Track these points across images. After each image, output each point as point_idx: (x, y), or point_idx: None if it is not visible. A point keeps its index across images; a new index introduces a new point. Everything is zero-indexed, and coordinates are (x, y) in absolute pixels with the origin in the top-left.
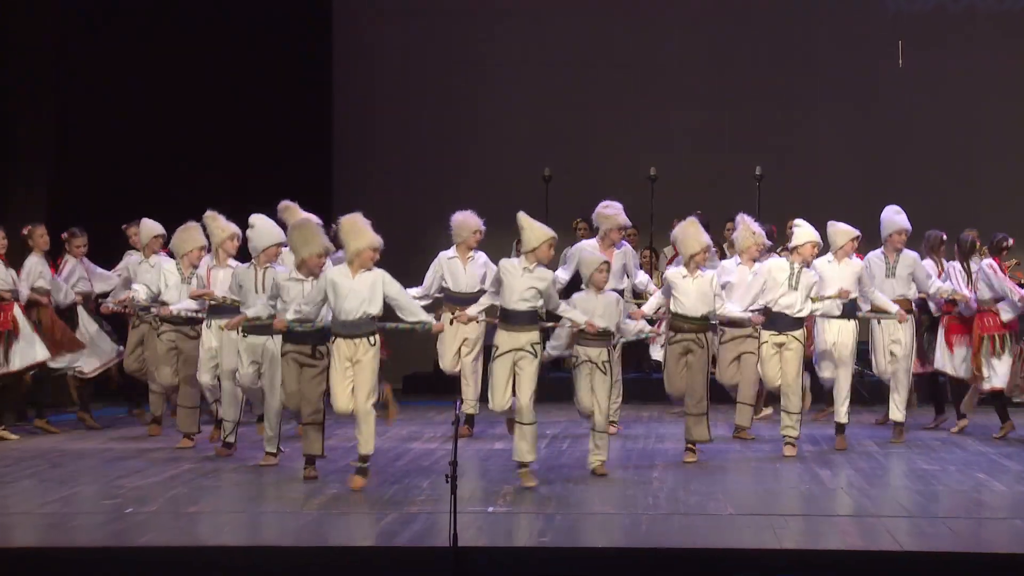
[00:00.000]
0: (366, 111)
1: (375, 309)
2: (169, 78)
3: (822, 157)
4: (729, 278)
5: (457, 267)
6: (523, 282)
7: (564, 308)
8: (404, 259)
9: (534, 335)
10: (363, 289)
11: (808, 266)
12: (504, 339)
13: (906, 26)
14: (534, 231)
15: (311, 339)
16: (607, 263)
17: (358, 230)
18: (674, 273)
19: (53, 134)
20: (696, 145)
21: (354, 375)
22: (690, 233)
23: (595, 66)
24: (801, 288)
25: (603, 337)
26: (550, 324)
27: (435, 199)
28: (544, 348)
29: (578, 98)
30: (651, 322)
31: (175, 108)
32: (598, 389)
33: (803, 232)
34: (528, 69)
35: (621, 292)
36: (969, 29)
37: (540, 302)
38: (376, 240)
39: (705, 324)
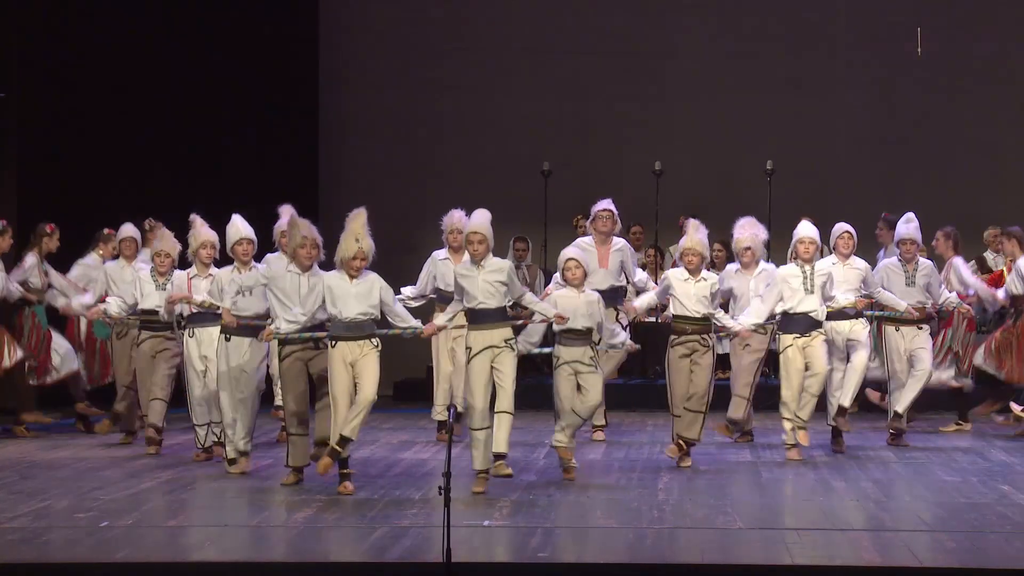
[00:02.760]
0: (354, 103)
1: (374, 310)
2: (150, 72)
3: (837, 150)
4: (731, 284)
5: (448, 268)
6: (480, 279)
7: (531, 299)
8: (397, 257)
9: (507, 331)
10: (360, 292)
11: (810, 263)
12: (477, 339)
13: (925, 12)
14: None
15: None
16: (574, 260)
17: (342, 238)
18: (675, 274)
19: (20, 134)
20: (704, 138)
21: (358, 371)
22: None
23: (597, 54)
24: (816, 289)
25: (584, 336)
26: (520, 322)
27: (429, 195)
28: (515, 344)
29: (578, 88)
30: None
31: (156, 103)
32: (590, 387)
33: (797, 230)
34: (525, 58)
35: (622, 290)
36: (990, 14)
37: (506, 296)
38: (350, 250)
39: (707, 325)
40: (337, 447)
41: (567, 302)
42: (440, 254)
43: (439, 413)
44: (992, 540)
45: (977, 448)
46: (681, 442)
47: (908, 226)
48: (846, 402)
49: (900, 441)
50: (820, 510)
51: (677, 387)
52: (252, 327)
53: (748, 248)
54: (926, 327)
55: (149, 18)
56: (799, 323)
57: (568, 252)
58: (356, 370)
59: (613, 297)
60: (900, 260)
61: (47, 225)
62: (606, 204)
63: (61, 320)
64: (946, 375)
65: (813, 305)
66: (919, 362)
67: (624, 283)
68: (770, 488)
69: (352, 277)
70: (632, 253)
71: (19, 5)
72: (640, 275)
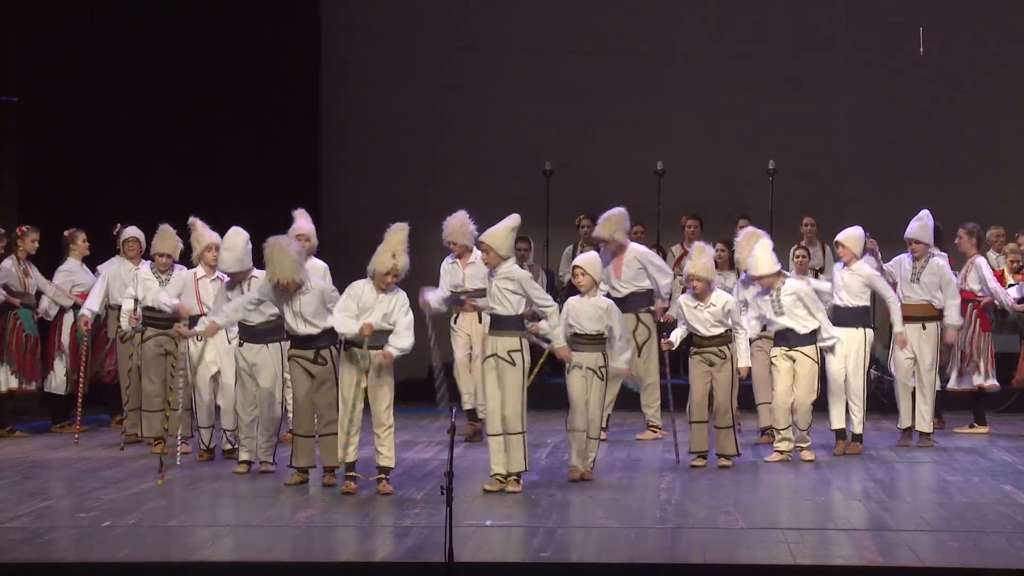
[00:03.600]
0: (355, 103)
1: (390, 325)
2: (151, 74)
3: (839, 150)
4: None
5: (456, 271)
6: (494, 284)
7: (551, 315)
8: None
9: (512, 342)
10: (383, 307)
11: (774, 288)
12: (489, 343)
13: (926, 12)
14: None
15: (314, 343)
16: (579, 266)
17: (379, 251)
18: (685, 300)
19: (20, 135)
20: (706, 137)
21: (371, 388)
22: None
23: (599, 53)
24: (787, 311)
25: (594, 341)
26: (535, 338)
27: (430, 195)
28: (523, 357)
29: (581, 87)
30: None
31: (157, 104)
32: (592, 395)
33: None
34: (528, 57)
35: (647, 295)
36: (991, 13)
37: (519, 303)
38: (385, 265)
39: (725, 337)
40: (383, 475)
41: (576, 307)
42: (449, 258)
43: (467, 403)
44: (994, 540)
45: (979, 448)
46: (701, 453)
47: (913, 225)
48: (857, 429)
49: (905, 440)
50: (822, 510)
51: (694, 395)
52: (261, 332)
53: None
54: (930, 325)
55: (150, 19)
56: (787, 338)
57: (577, 259)
58: (370, 383)
59: (636, 303)
60: (911, 255)
61: (18, 228)
62: (594, 232)
63: (43, 326)
64: (975, 379)
65: (788, 323)
66: (922, 364)
67: (648, 287)
68: (772, 488)
69: (381, 291)
70: (648, 256)
71: (19, 6)
72: (663, 281)
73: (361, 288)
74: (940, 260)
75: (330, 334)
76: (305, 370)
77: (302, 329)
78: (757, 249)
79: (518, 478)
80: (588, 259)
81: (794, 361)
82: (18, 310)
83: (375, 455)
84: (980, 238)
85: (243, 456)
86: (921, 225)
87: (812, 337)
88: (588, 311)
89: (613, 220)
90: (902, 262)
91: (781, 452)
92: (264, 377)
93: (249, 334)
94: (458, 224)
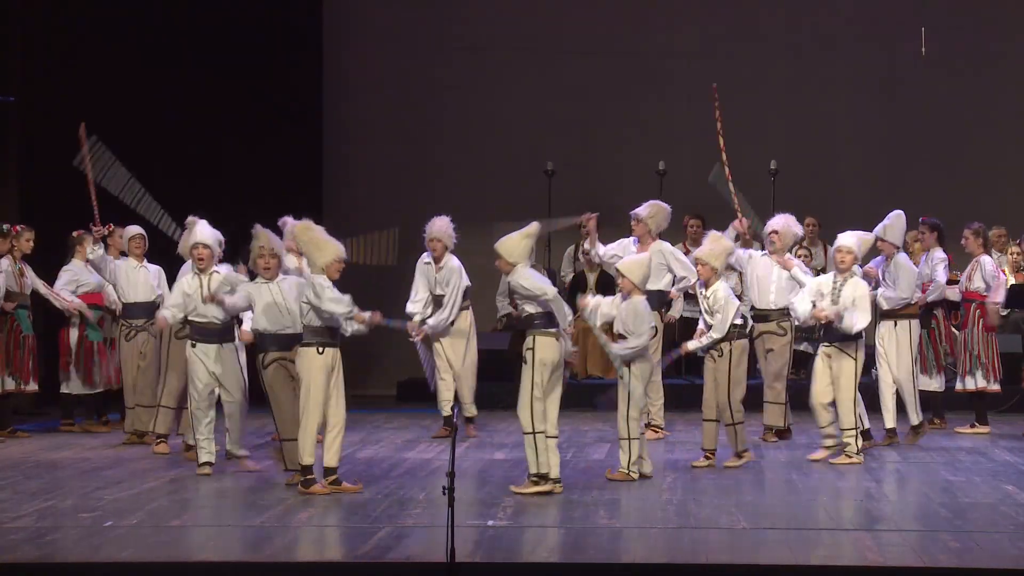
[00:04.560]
0: (357, 105)
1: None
2: (153, 77)
3: (840, 150)
4: (753, 267)
5: (430, 272)
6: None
7: (548, 299)
8: (400, 258)
9: (526, 341)
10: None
11: (841, 275)
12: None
13: (928, 12)
14: None
15: (294, 341)
16: (618, 269)
17: (320, 242)
18: (697, 284)
19: (21, 136)
20: (707, 137)
21: (336, 383)
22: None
23: (599, 53)
24: (841, 302)
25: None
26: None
27: (433, 196)
28: (535, 355)
29: (581, 87)
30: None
31: (158, 107)
32: (619, 396)
33: (843, 237)
34: (528, 57)
35: (658, 293)
36: (994, 13)
37: (525, 304)
38: (340, 251)
39: (730, 332)
40: (333, 475)
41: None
42: (426, 256)
43: (444, 410)
44: (995, 540)
45: (981, 448)
46: (708, 452)
47: (880, 225)
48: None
49: (917, 439)
50: (824, 510)
51: (704, 391)
52: (212, 332)
53: (775, 231)
54: (902, 323)
55: (151, 19)
56: (828, 331)
57: (620, 263)
58: (335, 379)
59: (648, 299)
60: (883, 258)
61: (12, 227)
62: (636, 209)
63: (54, 326)
64: (978, 380)
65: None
66: (893, 360)
67: (668, 287)
68: (774, 488)
69: (334, 280)
70: (675, 254)
71: (20, 6)
72: (685, 276)
73: (320, 281)
74: (902, 258)
75: (306, 332)
76: (288, 372)
77: (286, 320)
78: (861, 234)
79: (533, 480)
80: (628, 263)
81: (830, 358)
82: (15, 311)
83: (323, 456)
84: (986, 238)
85: (203, 458)
86: (888, 225)
87: (856, 335)
88: (620, 312)
89: (655, 208)
90: (881, 266)
91: (828, 448)
92: (231, 385)
93: (201, 333)
94: (444, 223)
